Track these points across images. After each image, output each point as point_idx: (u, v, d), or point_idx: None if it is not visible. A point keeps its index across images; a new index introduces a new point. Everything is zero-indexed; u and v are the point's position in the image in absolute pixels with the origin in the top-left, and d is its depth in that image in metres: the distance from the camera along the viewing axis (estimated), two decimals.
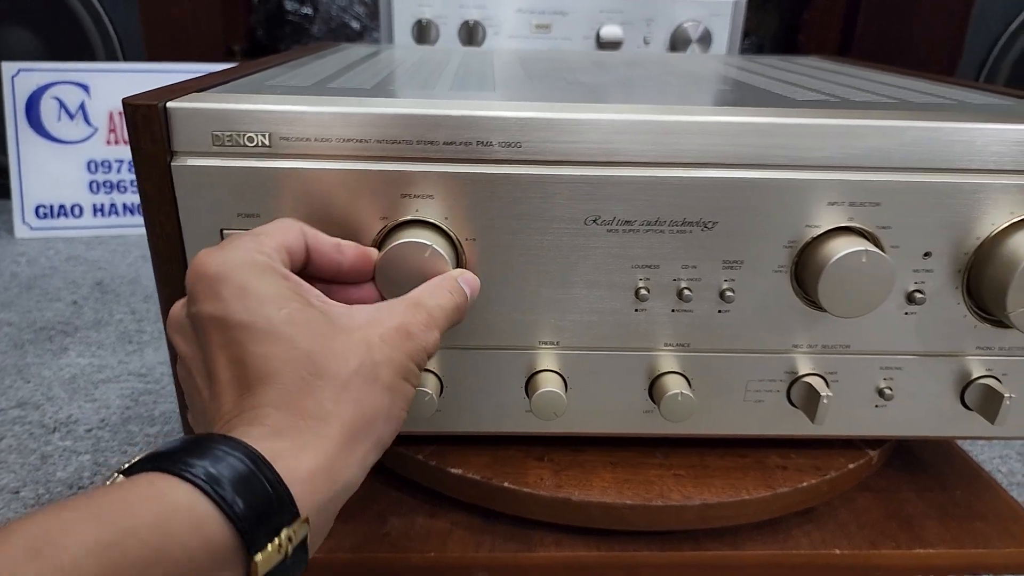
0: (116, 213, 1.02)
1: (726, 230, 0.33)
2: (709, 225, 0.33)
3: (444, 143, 0.31)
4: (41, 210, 1.00)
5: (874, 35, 1.05)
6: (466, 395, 0.37)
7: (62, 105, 1.00)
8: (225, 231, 0.32)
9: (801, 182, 0.32)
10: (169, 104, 0.31)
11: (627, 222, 0.33)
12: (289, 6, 1.51)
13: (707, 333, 0.36)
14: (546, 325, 0.35)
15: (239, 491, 0.21)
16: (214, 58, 1.12)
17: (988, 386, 0.37)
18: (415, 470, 0.40)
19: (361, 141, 0.31)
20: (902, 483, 0.45)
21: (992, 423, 0.37)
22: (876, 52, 1.09)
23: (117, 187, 1.03)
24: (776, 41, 1.39)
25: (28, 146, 0.99)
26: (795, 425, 0.39)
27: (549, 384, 0.35)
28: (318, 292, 0.28)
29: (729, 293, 0.34)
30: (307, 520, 0.22)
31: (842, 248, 0.32)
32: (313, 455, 0.23)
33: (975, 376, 0.37)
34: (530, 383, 0.36)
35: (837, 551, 0.39)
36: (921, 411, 0.39)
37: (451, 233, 0.33)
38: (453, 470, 0.38)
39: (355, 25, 1.53)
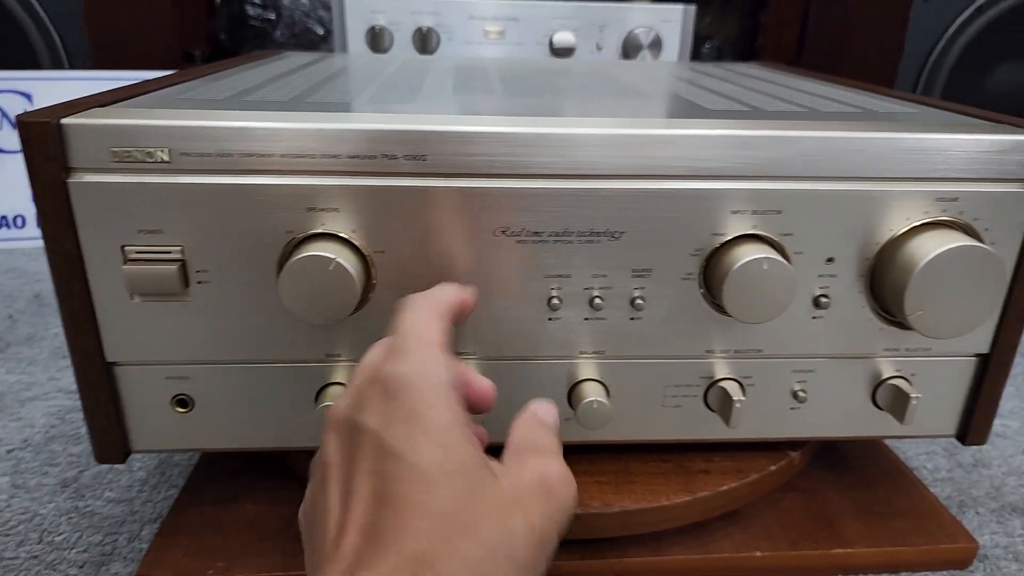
0: None
1: (633, 240, 0.34)
2: (616, 235, 0.33)
3: (348, 156, 0.31)
4: None
5: (821, 43, 1.07)
6: None
7: (3, 114, 0.98)
8: (126, 247, 0.32)
9: (704, 191, 0.33)
10: (64, 121, 0.30)
11: (536, 233, 0.33)
12: (251, 11, 1.49)
13: (621, 340, 0.36)
14: (462, 335, 0.36)
15: None
16: (169, 64, 1.10)
17: (896, 386, 0.38)
18: None
19: (263, 156, 0.31)
20: (827, 483, 0.46)
21: (901, 423, 0.38)
22: (824, 59, 1.11)
23: None
24: (735, 45, 1.41)
25: None
26: (716, 429, 0.39)
27: None
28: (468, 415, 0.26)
29: (639, 301, 0.35)
30: None
31: (745, 255, 0.32)
32: None
33: (885, 377, 0.38)
34: None
35: (758, 553, 0.40)
36: (836, 412, 0.39)
37: (359, 246, 0.33)
38: None
39: (319, 30, 1.52)
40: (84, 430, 0.49)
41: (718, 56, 1.34)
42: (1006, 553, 0.42)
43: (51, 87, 0.99)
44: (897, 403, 0.38)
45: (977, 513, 0.46)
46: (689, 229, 0.33)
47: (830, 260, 0.35)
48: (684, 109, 0.39)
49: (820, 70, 1.06)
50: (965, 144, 0.33)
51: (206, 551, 0.39)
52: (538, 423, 0.28)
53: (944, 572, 0.41)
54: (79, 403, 0.54)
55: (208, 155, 0.31)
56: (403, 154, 0.32)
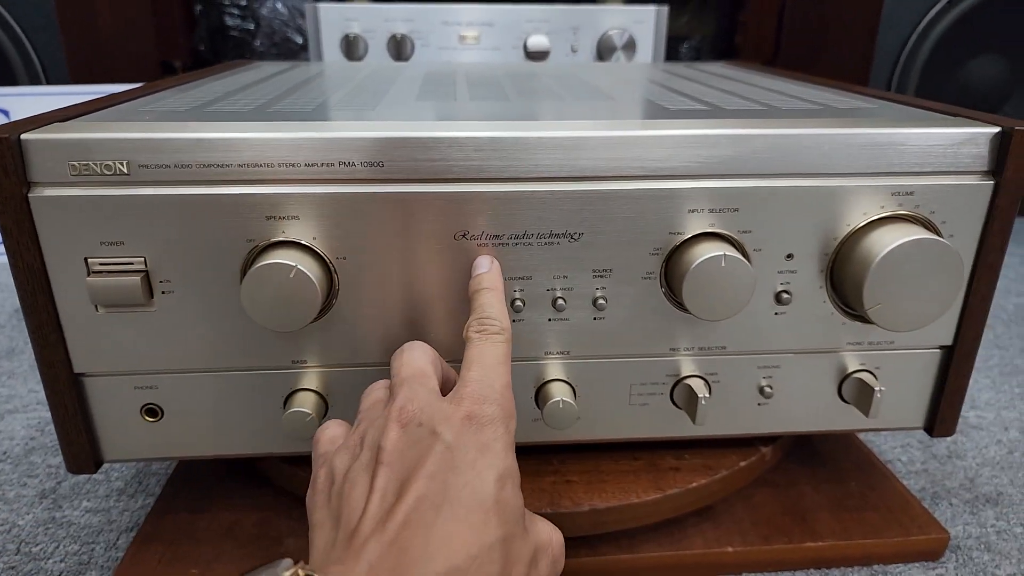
0: None
1: (592, 240, 0.34)
2: (575, 236, 0.34)
3: (306, 165, 0.32)
4: None
5: (798, 41, 1.08)
6: (353, 414, 0.37)
7: None
8: (89, 259, 0.32)
9: (661, 191, 0.33)
10: (23, 136, 0.30)
11: (495, 236, 0.34)
12: (231, 21, 1.49)
13: (586, 340, 0.36)
14: (427, 339, 0.36)
15: None
16: (149, 76, 1.10)
17: (861, 380, 0.38)
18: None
19: (222, 166, 0.31)
20: (800, 477, 0.46)
21: (867, 416, 0.38)
22: (801, 57, 1.11)
23: None
24: (714, 45, 1.41)
25: None
26: (685, 427, 0.40)
27: None
28: None
29: (602, 301, 0.35)
30: None
31: (703, 253, 0.33)
32: None
33: (850, 371, 0.39)
34: None
35: (730, 548, 0.40)
36: (804, 407, 0.40)
37: (320, 253, 0.33)
38: None
39: (298, 39, 1.52)
40: None
41: (696, 56, 1.34)
42: (978, 543, 0.43)
43: (28, 103, 0.99)
44: (862, 396, 0.38)
45: (950, 504, 0.46)
46: (648, 229, 0.34)
47: (790, 256, 0.35)
48: (644, 110, 0.40)
49: (798, 68, 1.07)
50: (919, 138, 0.34)
51: (180, 558, 0.39)
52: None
53: (916, 563, 0.41)
54: None
55: (166, 166, 0.31)
56: (360, 161, 0.32)
